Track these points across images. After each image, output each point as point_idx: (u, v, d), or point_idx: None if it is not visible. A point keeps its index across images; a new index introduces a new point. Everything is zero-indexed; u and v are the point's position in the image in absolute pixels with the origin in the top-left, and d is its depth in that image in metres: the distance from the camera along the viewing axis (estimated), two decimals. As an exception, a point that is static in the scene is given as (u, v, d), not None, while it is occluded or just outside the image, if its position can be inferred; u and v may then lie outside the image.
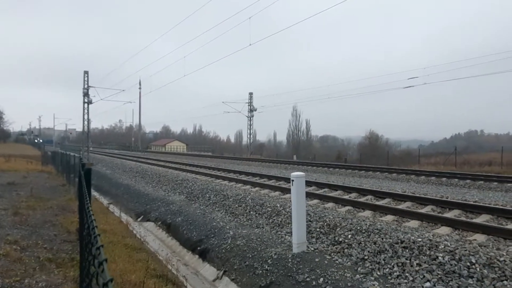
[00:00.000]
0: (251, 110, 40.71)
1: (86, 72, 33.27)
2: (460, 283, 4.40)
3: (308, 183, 11.14)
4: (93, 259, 1.45)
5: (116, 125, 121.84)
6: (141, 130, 71.36)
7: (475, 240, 5.61)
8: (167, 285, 5.26)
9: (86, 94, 33.26)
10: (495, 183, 12.50)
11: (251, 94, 40.74)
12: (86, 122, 34.76)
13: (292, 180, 6.05)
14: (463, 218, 7.12)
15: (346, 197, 9.72)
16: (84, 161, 7.95)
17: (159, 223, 10.05)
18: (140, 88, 47.37)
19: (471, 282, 4.36)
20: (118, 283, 4.42)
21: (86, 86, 33.08)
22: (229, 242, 7.16)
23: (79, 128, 76.91)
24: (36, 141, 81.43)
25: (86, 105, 33.70)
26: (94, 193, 15.55)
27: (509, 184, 12.13)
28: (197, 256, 7.45)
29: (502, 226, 6.33)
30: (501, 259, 4.57)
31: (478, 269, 4.50)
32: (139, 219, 11.16)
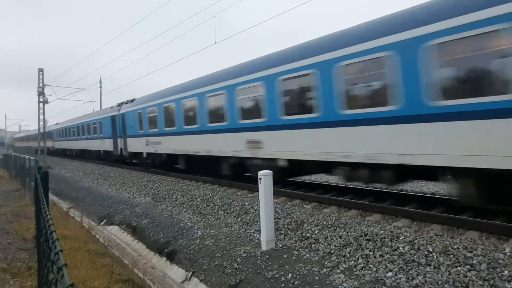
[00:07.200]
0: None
1: (40, 70, 31.24)
2: (419, 271, 4.65)
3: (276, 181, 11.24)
4: (51, 265, 1.37)
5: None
6: (103, 131, 68.35)
7: (432, 230, 5.95)
8: (134, 289, 5.11)
9: (41, 93, 31.22)
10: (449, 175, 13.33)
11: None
12: (42, 123, 32.73)
13: (260, 178, 6.10)
14: (421, 210, 7.52)
15: (312, 193, 9.94)
16: (40, 164, 7.51)
17: (124, 226, 9.72)
18: (100, 87, 45.34)
19: (429, 270, 4.62)
20: (80, 291, 4.23)
21: (41, 84, 31.08)
22: (197, 242, 7.08)
23: (34, 129, 72.27)
24: None
25: (41, 104, 31.69)
26: (53, 197, 14.75)
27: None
28: (164, 258, 7.29)
29: (456, 216, 6.76)
30: (455, 246, 4.89)
31: (435, 257, 4.79)
32: (102, 223, 10.73)
